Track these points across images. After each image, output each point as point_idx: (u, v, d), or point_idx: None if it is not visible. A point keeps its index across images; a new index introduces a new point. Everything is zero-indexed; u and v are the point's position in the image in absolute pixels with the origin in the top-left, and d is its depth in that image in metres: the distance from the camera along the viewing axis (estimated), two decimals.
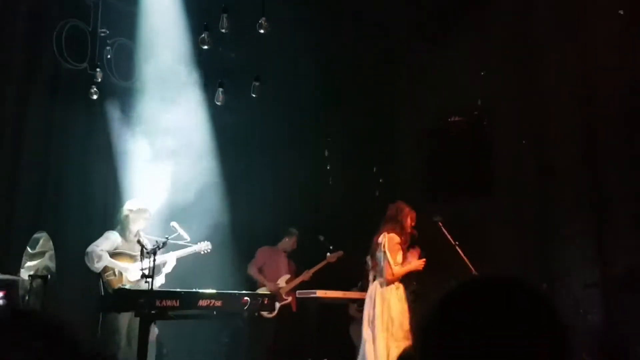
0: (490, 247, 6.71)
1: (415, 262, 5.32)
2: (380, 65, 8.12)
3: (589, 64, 7.02)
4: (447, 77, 7.63)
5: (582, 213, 6.73)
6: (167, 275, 5.37)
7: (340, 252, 7.08)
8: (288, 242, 7.12)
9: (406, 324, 5.10)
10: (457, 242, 5.36)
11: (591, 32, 7.11)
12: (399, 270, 5.24)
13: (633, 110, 6.44)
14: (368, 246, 5.62)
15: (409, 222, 5.40)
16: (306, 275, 6.91)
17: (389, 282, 5.26)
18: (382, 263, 5.33)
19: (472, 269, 5.26)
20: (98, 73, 5.96)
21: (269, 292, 6.06)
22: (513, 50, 7.41)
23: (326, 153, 8.33)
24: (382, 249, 5.30)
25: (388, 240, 5.30)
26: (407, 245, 5.45)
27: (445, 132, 7.82)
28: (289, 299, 6.82)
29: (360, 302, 6.74)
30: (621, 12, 6.67)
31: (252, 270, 6.83)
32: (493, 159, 7.48)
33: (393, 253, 5.26)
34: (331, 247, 7.05)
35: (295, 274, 7.12)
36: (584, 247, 6.60)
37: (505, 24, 7.47)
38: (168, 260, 5.32)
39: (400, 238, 5.35)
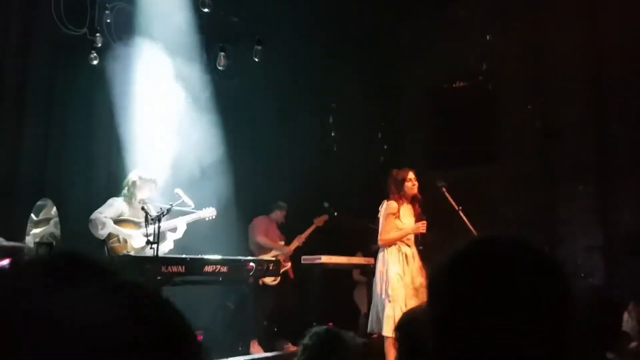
0: (494, 212, 6.70)
1: (410, 227, 5.34)
2: (385, 30, 7.99)
3: (597, 27, 6.94)
4: (452, 41, 7.55)
5: (587, 177, 6.76)
6: (174, 242, 5.33)
7: (326, 216, 7.11)
8: (279, 215, 7.08)
9: (409, 285, 5.16)
10: (460, 207, 5.33)
11: None
12: (388, 236, 5.31)
13: None
14: (374, 212, 5.64)
15: (407, 185, 5.39)
16: (299, 241, 6.91)
17: (382, 246, 5.36)
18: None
19: (475, 233, 5.23)
20: (98, 38, 5.84)
21: (273, 259, 6.04)
22: (518, 13, 7.31)
23: (330, 119, 8.25)
24: (379, 215, 5.45)
25: (385, 208, 5.40)
26: (415, 208, 5.43)
27: (450, 97, 7.75)
28: (288, 265, 6.82)
29: (364, 268, 6.85)
30: None
31: (260, 238, 6.77)
32: (498, 123, 7.46)
33: (387, 220, 5.30)
34: (336, 214, 7.05)
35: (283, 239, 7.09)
36: (588, 210, 6.62)
37: None
38: (178, 226, 5.28)
39: (399, 203, 5.32)
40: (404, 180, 5.39)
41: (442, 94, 7.87)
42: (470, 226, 5.31)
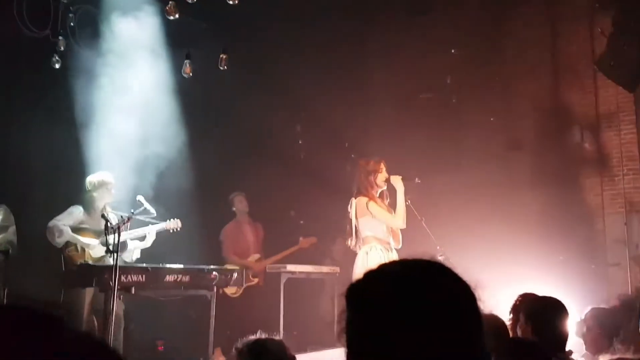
0: (457, 222, 6.62)
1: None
2: (355, 39, 7.93)
3: (556, 38, 7.02)
4: (419, 53, 7.53)
5: (547, 188, 6.83)
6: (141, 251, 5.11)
7: (314, 239, 6.90)
8: (240, 207, 6.88)
9: None
10: (423, 218, 5.22)
11: (557, 10, 7.11)
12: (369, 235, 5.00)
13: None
14: (340, 219, 5.45)
15: (379, 177, 5.13)
16: (274, 259, 6.72)
17: (354, 247, 5.05)
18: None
19: (436, 242, 5.15)
20: (61, 41, 5.58)
21: (237, 268, 5.86)
22: (484, 29, 7.38)
23: (298, 128, 8.12)
24: (349, 216, 5.07)
25: (356, 207, 5.04)
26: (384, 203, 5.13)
27: (417, 108, 7.70)
28: (255, 280, 6.62)
29: (331, 276, 6.68)
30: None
31: (230, 257, 6.63)
32: (462, 134, 7.46)
33: (363, 218, 5.01)
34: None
35: (262, 239, 6.95)
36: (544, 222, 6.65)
37: (476, 3, 7.40)
38: (148, 234, 5.06)
39: (370, 195, 5.03)
40: (375, 172, 5.07)
41: (410, 104, 7.79)
42: (432, 236, 5.25)
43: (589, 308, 3.51)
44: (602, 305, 3.77)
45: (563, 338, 2.64)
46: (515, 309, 2.96)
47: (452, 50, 7.43)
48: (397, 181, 5.08)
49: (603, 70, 6.38)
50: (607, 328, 3.24)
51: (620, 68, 6.15)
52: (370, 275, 1.02)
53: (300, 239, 6.92)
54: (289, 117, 7.75)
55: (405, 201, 5.12)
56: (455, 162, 7.34)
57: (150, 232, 5.05)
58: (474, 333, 0.96)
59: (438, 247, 5.11)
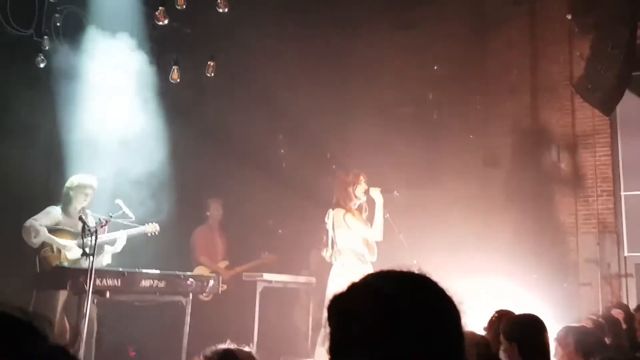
0: (434, 236, 6.63)
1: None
2: (337, 52, 7.96)
3: (537, 60, 7.15)
4: (402, 67, 7.62)
5: (522, 206, 6.95)
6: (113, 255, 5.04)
7: (275, 257, 6.93)
8: (215, 213, 6.90)
9: None
10: (401, 232, 5.24)
11: (538, 32, 7.23)
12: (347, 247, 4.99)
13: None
14: (318, 230, 5.44)
15: (352, 187, 5.11)
16: (238, 270, 6.69)
17: (329, 258, 5.05)
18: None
19: (414, 259, 5.17)
20: (45, 40, 5.52)
21: (213, 275, 5.83)
22: (467, 47, 7.47)
23: (280, 137, 8.14)
24: (327, 227, 5.07)
25: (333, 218, 5.03)
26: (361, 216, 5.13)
27: (399, 121, 7.76)
28: (225, 287, 6.58)
29: (308, 286, 6.67)
30: (568, 16, 6.83)
31: (201, 259, 6.63)
32: (441, 149, 7.56)
33: (339, 229, 5.00)
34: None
35: (227, 246, 6.96)
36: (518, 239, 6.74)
37: (460, 19, 7.48)
38: (118, 239, 5.00)
39: (348, 207, 5.02)
40: (354, 184, 5.07)
41: (391, 117, 7.84)
42: (408, 249, 5.27)
43: (561, 326, 3.53)
44: (574, 324, 3.80)
45: (548, 356, 2.67)
46: (492, 326, 2.98)
47: (435, 67, 7.53)
48: (376, 193, 5.11)
49: (580, 93, 6.51)
50: (583, 346, 3.27)
51: (597, 91, 6.27)
52: (354, 287, 1.03)
53: (265, 253, 6.95)
54: (271, 126, 7.78)
55: (384, 214, 5.14)
56: (433, 176, 7.44)
57: (121, 237, 4.98)
58: (456, 347, 0.97)
59: (415, 261, 5.12)
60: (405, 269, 1.08)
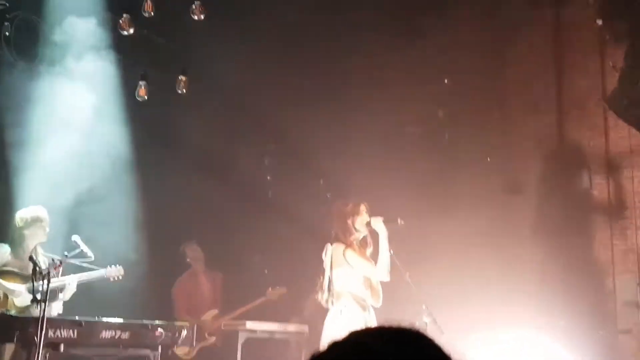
0: (446, 276, 6.72)
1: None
2: (332, 64, 8.06)
3: (563, 72, 7.33)
4: (408, 83, 7.68)
5: (549, 240, 6.96)
6: (65, 303, 5.03)
7: (284, 290, 6.99)
8: (194, 255, 6.99)
9: None
10: (407, 272, 5.22)
11: (565, 39, 7.37)
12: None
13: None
14: (312, 268, 5.46)
15: (352, 219, 5.10)
16: (234, 314, 6.79)
17: (325, 303, 5.02)
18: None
19: (423, 304, 5.15)
20: None
21: (186, 324, 5.82)
22: (483, 59, 7.55)
23: (266, 162, 8.20)
24: (324, 265, 5.04)
25: (331, 255, 5.02)
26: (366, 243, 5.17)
27: (404, 143, 7.84)
28: (213, 339, 6.58)
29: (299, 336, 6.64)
30: (599, 22, 6.92)
31: (181, 317, 6.65)
32: (455, 175, 7.57)
33: (338, 268, 4.98)
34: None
35: (221, 291, 7.01)
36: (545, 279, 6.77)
37: (473, 26, 7.60)
38: (67, 285, 4.99)
39: (348, 242, 5.03)
40: (354, 215, 5.09)
41: (396, 139, 7.92)
42: (416, 292, 5.25)
43: None
44: None
45: None
46: None
47: (445, 80, 7.58)
48: (378, 224, 5.09)
49: (614, 109, 6.54)
50: None
51: (633, 107, 6.32)
52: (335, 347, 1.03)
53: (269, 290, 6.94)
54: (256, 150, 7.90)
55: (389, 249, 5.14)
56: (445, 206, 7.41)
57: (71, 283, 4.97)
58: None
59: (424, 306, 5.12)
60: (408, 322, 1.08)
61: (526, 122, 7.48)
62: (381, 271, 4.99)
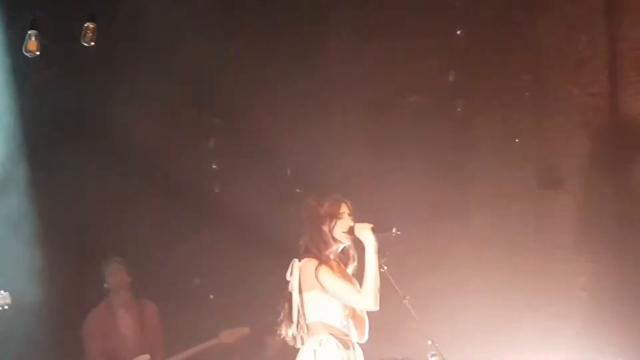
0: (459, 298, 6.74)
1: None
2: (304, 13, 8.05)
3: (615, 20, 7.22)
4: (404, 37, 7.64)
5: (599, 251, 6.93)
6: None
7: (245, 330, 7.08)
8: (115, 280, 6.92)
9: None
10: (406, 296, 5.05)
11: None
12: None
13: None
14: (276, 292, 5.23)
15: (330, 224, 4.83)
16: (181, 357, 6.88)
17: (292, 341, 4.88)
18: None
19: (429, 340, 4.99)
20: None
21: None
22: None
23: (211, 144, 8.17)
24: (290, 288, 4.82)
25: (299, 273, 4.79)
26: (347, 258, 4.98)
27: (402, 117, 7.78)
28: None
29: None
30: None
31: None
32: (471, 161, 7.52)
33: (310, 292, 4.75)
34: None
35: (156, 327, 7.06)
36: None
37: None
38: None
39: (323, 257, 4.79)
40: (333, 218, 4.84)
41: (390, 112, 7.87)
42: (418, 321, 5.10)
43: None
44: None
45: None
46: None
47: (458, 32, 7.55)
48: (364, 233, 4.94)
49: None
50: None
51: None
52: None
53: (223, 332, 6.99)
54: (197, 128, 7.82)
55: (381, 267, 4.95)
56: (458, 207, 7.41)
57: None
58: None
59: (430, 342, 5.00)
60: None
61: (566, 88, 7.38)
62: (366, 297, 4.83)
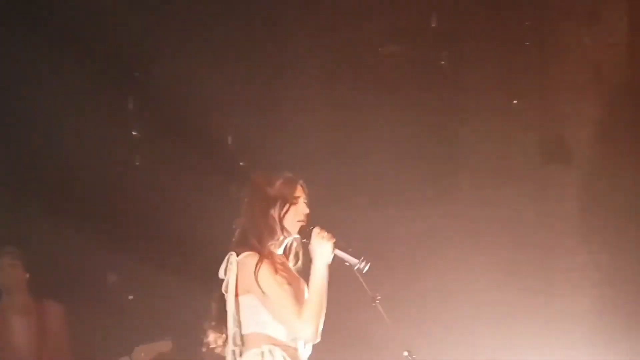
0: (445, 293, 6.93)
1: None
2: None
3: None
4: None
5: (613, 236, 7.17)
6: None
7: (168, 344, 6.95)
8: (8, 279, 6.84)
9: None
10: (378, 297, 5.24)
11: None
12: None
13: None
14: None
15: (280, 208, 4.99)
16: None
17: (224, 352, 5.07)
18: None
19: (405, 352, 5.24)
20: None
21: None
22: None
23: (130, 105, 8.14)
24: (224, 289, 4.66)
25: (236, 270, 4.97)
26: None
27: (375, 72, 7.84)
28: None
29: None
30: None
31: None
32: (458, 126, 7.68)
33: (246, 296, 4.93)
34: None
35: (58, 332, 6.97)
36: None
37: None
38: None
39: (266, 252, 4.96)
40: (284, 200, 4.72)
41: (360, 64, 7.92)
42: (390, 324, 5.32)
43: None
44: None
45: None
46: None
47: None
48: (319, 242, 4.96)
49: None
50: None
51: None
52: None
53: (137, 348, 6.89)
54: (111, 83, 7.78)
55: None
56: (443, 184, 7.58)
57: None
58: None
59: (406, 353, 5.17)
60: None
61: (578, 39, 7.55)
62: (305, 325, 4.76)
